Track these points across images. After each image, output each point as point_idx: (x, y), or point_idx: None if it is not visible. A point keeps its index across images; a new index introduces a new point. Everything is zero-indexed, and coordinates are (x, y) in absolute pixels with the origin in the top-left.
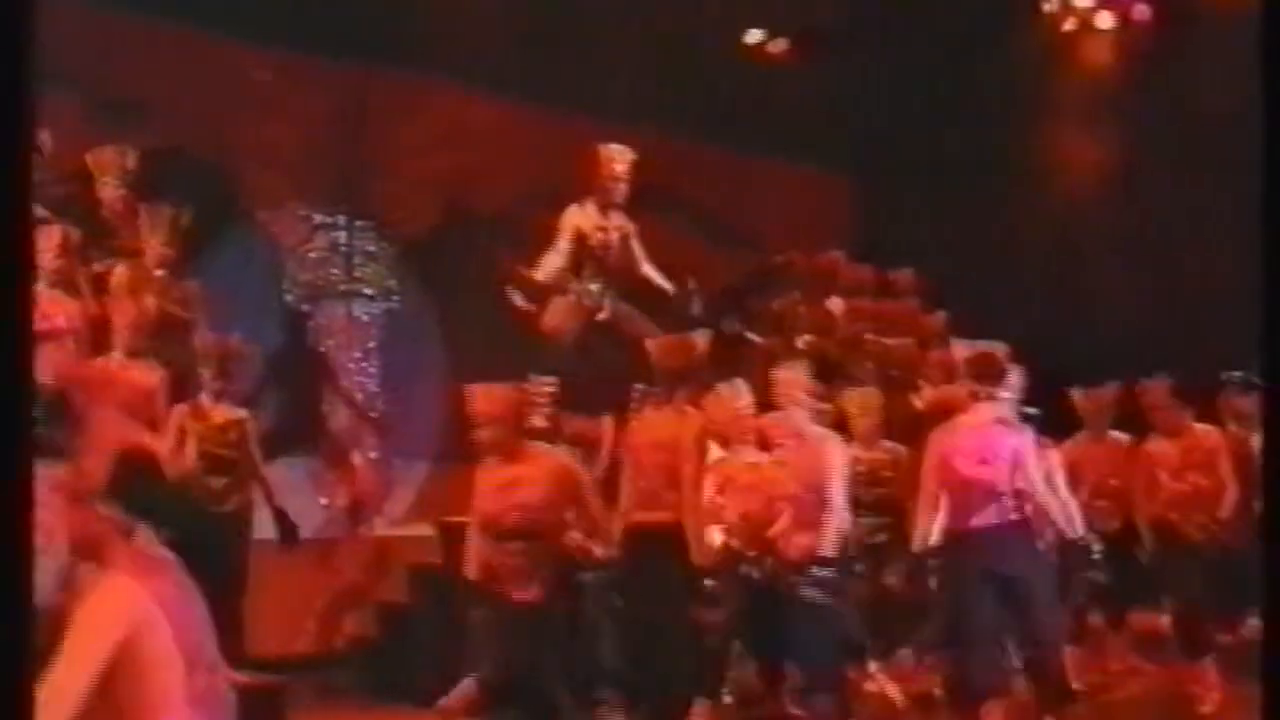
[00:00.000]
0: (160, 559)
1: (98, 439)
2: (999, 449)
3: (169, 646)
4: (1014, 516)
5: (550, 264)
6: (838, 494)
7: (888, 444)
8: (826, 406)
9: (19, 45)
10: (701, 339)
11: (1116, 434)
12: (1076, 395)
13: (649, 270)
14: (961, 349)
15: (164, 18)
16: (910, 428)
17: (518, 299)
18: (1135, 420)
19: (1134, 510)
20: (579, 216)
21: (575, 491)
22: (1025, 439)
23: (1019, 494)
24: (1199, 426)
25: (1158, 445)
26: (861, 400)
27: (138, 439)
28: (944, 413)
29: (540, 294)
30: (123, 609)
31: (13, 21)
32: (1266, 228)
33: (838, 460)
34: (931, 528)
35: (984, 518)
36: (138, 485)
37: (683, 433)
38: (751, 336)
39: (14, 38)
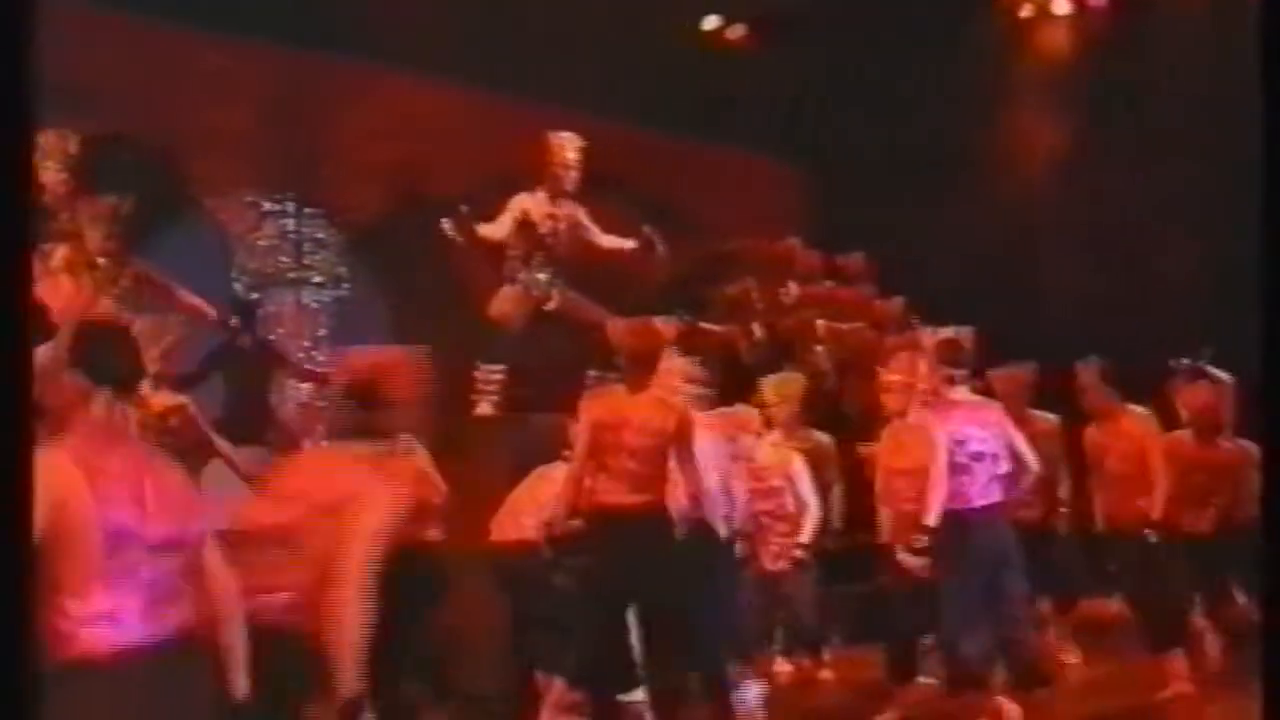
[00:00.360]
0: (116, 428)
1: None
2: (999, 425)
3: (89, 523)
4: (1010, 495)
5: (491, 229)
6: (705, 480)
7: (803, 433)
8: (708, 392)
9: (19, 45)
10: (665, 325)
11: (1041, 414)
12: (993, 375)
13: (607, 240)
14: (928, 335)
15: (109, 2)
16: (870, 412)
17: (446, 227)
18: (1074, 406)
19: (1057, 494)
20: (529, 201)
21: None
22: (1006, 415)
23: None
24: (1134, 412)
25: (1093, 431)
26: (778, 387)
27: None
28: (907, 394)
29: (471, 238)
30: (46, 488)
31: (13, 21)
32: (1266, 227)
33: (704, 446)
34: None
35: (990, 494)
36: (100, 350)
37: (680, 419)
38: (706, 325)
39: (14, 38)
